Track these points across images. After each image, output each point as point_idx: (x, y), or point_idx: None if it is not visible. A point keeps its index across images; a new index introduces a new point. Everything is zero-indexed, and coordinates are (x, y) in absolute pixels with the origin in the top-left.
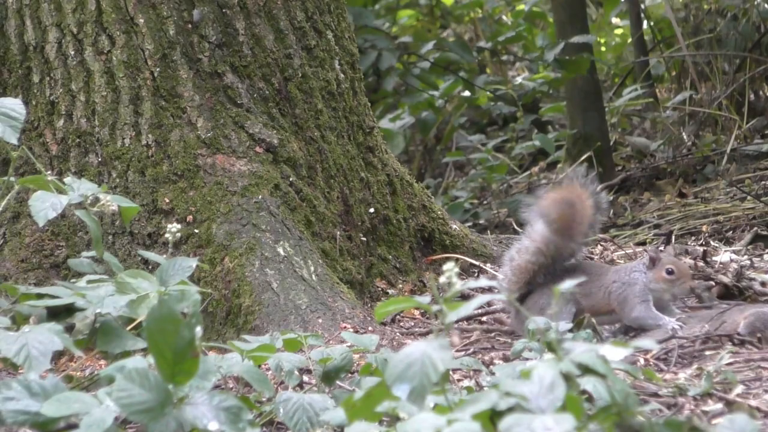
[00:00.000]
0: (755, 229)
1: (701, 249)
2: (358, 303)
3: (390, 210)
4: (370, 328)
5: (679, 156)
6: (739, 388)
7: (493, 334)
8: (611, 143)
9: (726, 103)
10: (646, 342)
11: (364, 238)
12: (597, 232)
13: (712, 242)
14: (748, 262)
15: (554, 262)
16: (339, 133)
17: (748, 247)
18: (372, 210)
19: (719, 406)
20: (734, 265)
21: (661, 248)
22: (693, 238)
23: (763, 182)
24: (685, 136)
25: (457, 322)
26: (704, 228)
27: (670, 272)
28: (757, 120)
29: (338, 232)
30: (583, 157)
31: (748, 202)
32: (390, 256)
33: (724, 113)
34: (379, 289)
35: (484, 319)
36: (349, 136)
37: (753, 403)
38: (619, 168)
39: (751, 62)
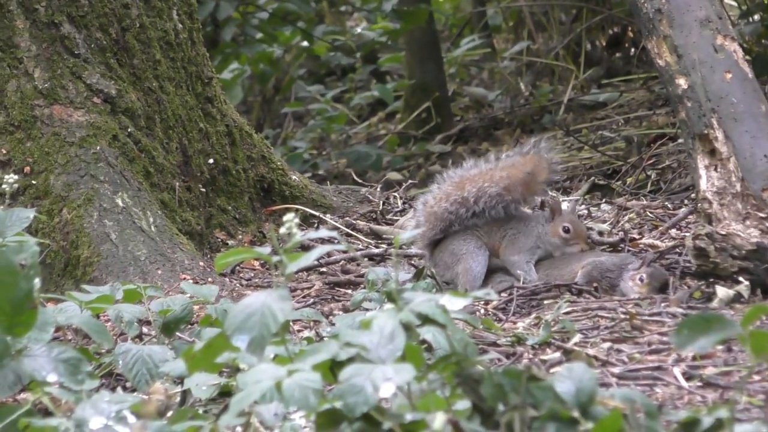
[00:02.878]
0: (592, 178)
1: (539, 199)
2: (198, 254)
3: (229, 161)
4: (209, 279)
5: (516, 106)
6: (577, 337)
7: (332, 285)
8: (449, 93)
9: (563, 53)
10: (485, 292)
11: (204, 189)
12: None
13: (549, 192)
14: (586, 211)
15: (481, 212)
16: (177, 84)
17: (586, 197)
18: (211, 160)
19: (557, 355)
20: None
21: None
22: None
23: (599, 132)
24: (522, 86)
25: (296, 272)
26: None
27: (566, 230)
28: (593, 70)
29: (177, 183)
30: (422, 107)
31: (585, 151)
32: (229, 207)
33: (561, 63)
34: (219, 240)
35: (324, 269)
36: (187, 86)
37: (590, 351)
38: (458, 118)
39: (588, 12)
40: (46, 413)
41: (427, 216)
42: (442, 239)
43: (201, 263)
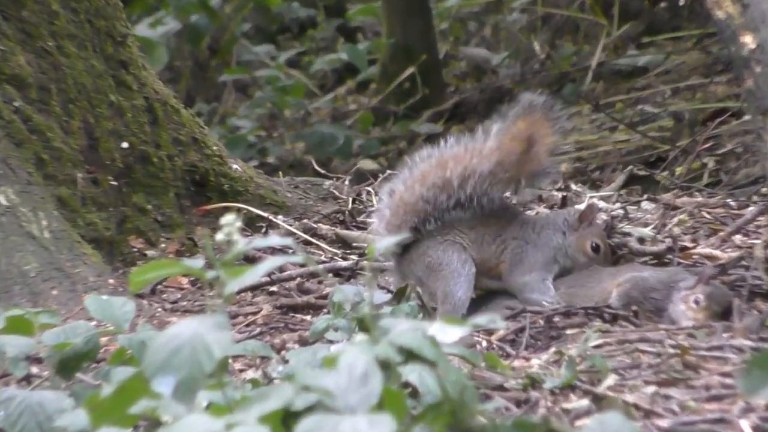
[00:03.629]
0: (630, 167)
1: (559, 195)
2: (107, 268)
3: (149, 145)
4: None
5: (529, 73)
6: (611, 379)
7: (285, 309)
8: (441, 56)
9: (590, 3)
10: (489, 318)
11: (115, 182)
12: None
13: (573, 185)
14: (622, 211)
15: (468, 201)
16: (81, 43)
17: (621, 192)
18: (125, 145)
19: (585, 402)
20: (603, 216)
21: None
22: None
23: (639, 107)
24: (537, 47)
25: (238, 293)
26: (563, 167)
27: (595, 248)
28: (630, 25)
29: (80, 175)
30: (404, 75)
31: (621, 132)
32: (149, 206)
33: (588, 16)
34: (135, 249)
35: (274, 288)
36: (94, 46)
37: (629, 398)
38: (452, 89)
39: None
40: None
41: (395, 208)
42: (412, 243)
43: (110, 280)
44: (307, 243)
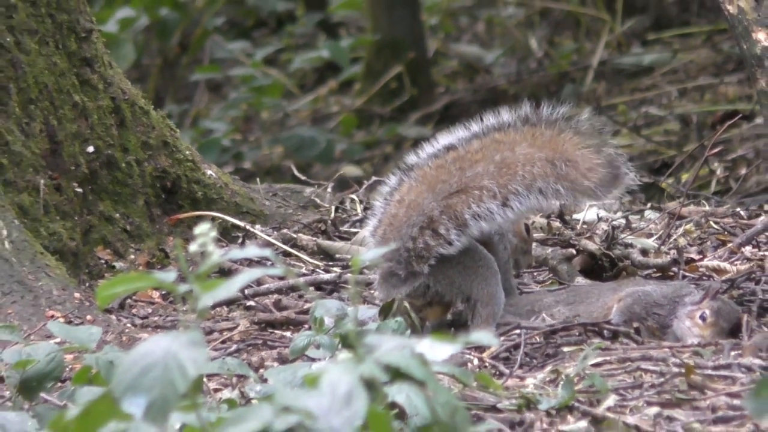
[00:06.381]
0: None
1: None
2: (71, 281)
3: (117, 149)
4: (88, 317)
5: (526, 72)
6: (611, 400)
7: (264, 325)
8: (430, 54)
9: None
10: (481, 336)
11: (80, 190)
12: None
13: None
14: (624, 221)
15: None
16: (42, 39)
17: (624, 201)
18: (91, 148)
19: (583, 424)
20: (604, 226)
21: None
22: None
23: (644, 109)
24: (534, 44)
25: (213, 307)
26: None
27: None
28: (635, 20)
29: (42, 181)
30: (391, 74)
31: (624, 136)
32: (117, 215)
33: (590, 10)
34: (102, 261)
35: (252, 303)
36: (56, 42)
37: (630, 420)
38: (442, 89)
39: None
40: None
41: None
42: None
43: (76, 294)
44: (287, 254)
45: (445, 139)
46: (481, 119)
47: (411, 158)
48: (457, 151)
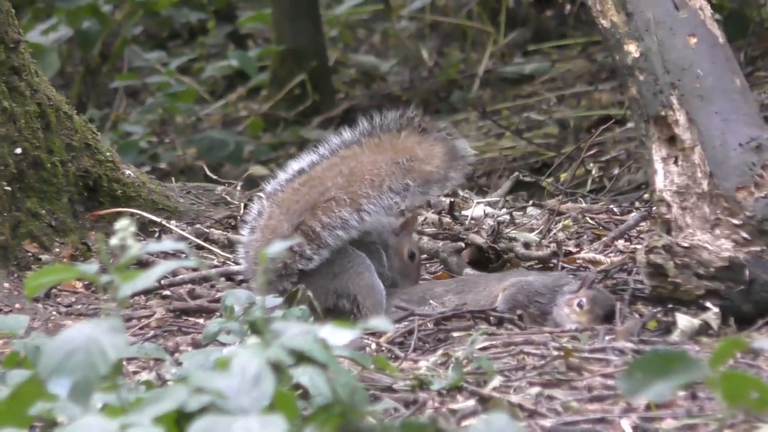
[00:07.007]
0: (516, 174)
1: (447, 200)
2: (1, 272)
3: (42, 150)
4: (17, 306)
5: (417, 79)
6: (497, 380)
7: (178, 312)
8: (330, 63)
9: (478, 11)
10: (378, 322)
11: (9, 188)
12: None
13: (460, 191)
14: (508, 217)
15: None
16: None
17: (508, 198)
18: (18, 150)
19: (471, 403)
20: (490, 222)
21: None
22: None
23: (525, 114)
24: (425, 54)
25: (132, 296)
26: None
27: (411, 256)
28: (517, 33)
29: None
30: (295, 81)
31: (507, 138)
32: (43, 211)
33: (476, 23)
34: (29, 254)
35: (167, 292)
36: None
37: (514, 398)
38: (341, 95)
39: None
40: None
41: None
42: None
43: (5, 285)
44: (200, 247)
45: (296, 164)
46: (326, 142)
47: (269, 185)
48: (308, 173)
